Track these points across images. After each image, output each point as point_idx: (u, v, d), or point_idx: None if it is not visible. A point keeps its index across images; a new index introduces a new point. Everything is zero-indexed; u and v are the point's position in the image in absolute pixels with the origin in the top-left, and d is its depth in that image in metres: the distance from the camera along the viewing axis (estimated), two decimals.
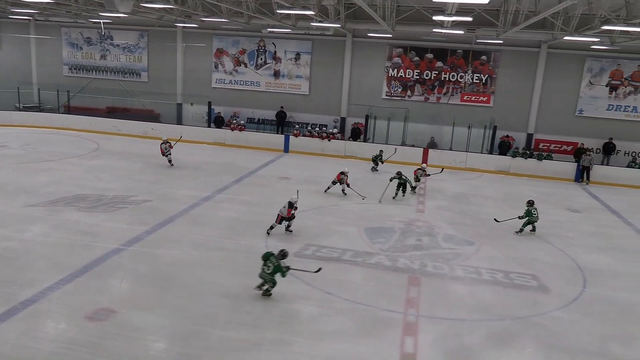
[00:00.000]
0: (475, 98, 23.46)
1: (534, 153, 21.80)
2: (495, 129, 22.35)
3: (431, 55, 23.54)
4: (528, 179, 20.65)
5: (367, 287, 9.54)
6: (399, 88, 24.05)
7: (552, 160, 21.63)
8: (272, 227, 11.78)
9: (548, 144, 22.94)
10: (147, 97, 26.33)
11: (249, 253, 10.65)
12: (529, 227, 13.33)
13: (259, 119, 25.52)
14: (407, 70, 23.84)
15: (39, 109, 26.84)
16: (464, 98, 23.54)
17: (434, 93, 23.78)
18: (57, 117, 25.20)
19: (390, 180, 15.76)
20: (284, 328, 7.84)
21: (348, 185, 15.50)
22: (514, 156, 21.59)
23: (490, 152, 22.48)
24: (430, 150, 22.19)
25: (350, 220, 13.44)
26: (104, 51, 27.14)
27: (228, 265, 10.08)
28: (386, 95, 24.18)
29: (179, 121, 26.09)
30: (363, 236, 12.32)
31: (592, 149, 21.85)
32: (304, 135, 23.30)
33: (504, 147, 22.44)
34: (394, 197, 15.81)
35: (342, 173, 15.64)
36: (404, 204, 15.50)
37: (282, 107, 24.63)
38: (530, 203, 13.32)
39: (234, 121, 24.19)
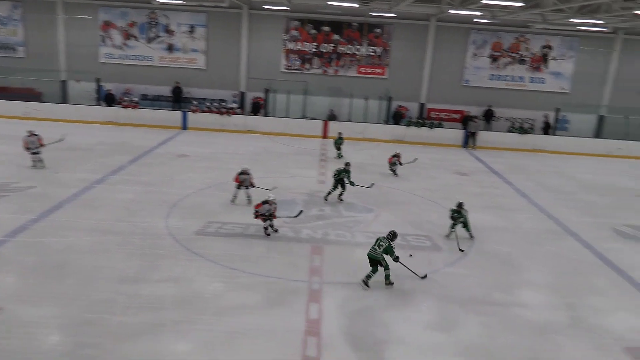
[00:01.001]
0: (371, 70, 24.10)
1: (426, 122, 22.98)
2: (390, 100, 23.21)
3: (328, 28, 23.74)
4: (422, 147, 21.75)
5: (272, 260, 9.63)
6: (298, 61, 24.08)
7: (442, 128, 22.93)
8: (266, 230, 10.62)
9: (439, 113, 24.23)
10: (25, 74, 24.07)
11: (146, 235, 10.32)
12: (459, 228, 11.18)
13: (153, 96, 24.36)
14: (305, 44, 23.89)
15: None
16: (361, 70, 24.10)
17: (331, 66, 24.09)
18: None
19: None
20: (187, 308, 7.74)
21: (253, 185, 12.80)
22: (408, 125, 22.61)
23: (387, 123, 23.35)
24: (330, 122, 22.59)
25: (252, 196, 13.39)
26: None
27: (124, 248, 9.68)
28: (285, 69, 24.11)
29: (64, 100, 24.24)
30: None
31: (477, 116, 23.41)
32: (203, 111, 22.69)
33: (398, 117, 23.39)
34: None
35: (242, 173, 12.70)
36: (305, 176, 15.71)
37: (177, 82, 23.70)
38: (459, 205, 11.27)
39: (127, 98, 22.95)
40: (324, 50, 23.96)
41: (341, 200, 13.48)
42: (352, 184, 13.34)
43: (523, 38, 23.80)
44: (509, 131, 23.17)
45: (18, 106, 22.16)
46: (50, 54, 24.09)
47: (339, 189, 13.50)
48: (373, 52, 23.94)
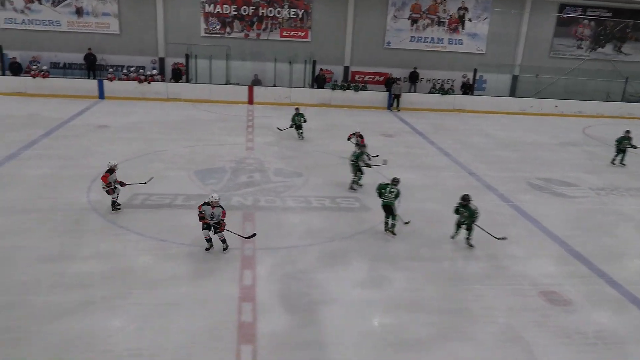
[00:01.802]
0: (294, 33, 23.83)
1: (351, 85, 23.18)
2: (314, 63, 23.13)
3: None
4: (347, 110, 22.00)
5: (201, 229, 9.51)
6: (218, 25, 23.33)
7: (367, 90, 23.23)
8: (208, 243, 8.64)
9: (363, 76, 24.50)
10: None
11: (68, 211, 9.87)
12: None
13: (64, 64, 22.84)
14: (224, 6, 23.14)
15: None
16: (283, 34, 23.76)
17: (253, 29, 23.56)
18: None
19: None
20: (118, 283, 7.56)
21: (122, 184, 10.13)
22: (333, 89, 22.72)
23: (312, 87, 23.33)
24: (255, 88, 22.25)
25: (179, 165, 13.10)
26: None
27: (45, 226, 9.23)
28: (205, 33, 23.31)
29: None
30: (194, 179, 12.15)
31: (400, 78, 23.91)
32: (120, 79, 21.58)
33: (321, 81, 23.37)
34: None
35: (110, 171, 9.94)
36: (232, 144, 15.49)
37: (90, 49, 22.30)
38: (393, 181, 9.97)
39: (35, 67, 21.36)
40: (244, 13, 23.35)
41: (360, 185, 12.19)
42: (369, 165, 12.22)
43: (441, 0, 24.34)
44: (431, 92, 23.89)
45: None
46: None
47: (358, 174, 12.30)
48: (295, 14, 23.63)
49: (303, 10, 23.56)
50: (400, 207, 11.16)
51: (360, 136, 14.18)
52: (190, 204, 10.58)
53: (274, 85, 23.06)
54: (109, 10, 22.64)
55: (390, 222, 9.81)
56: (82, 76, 22.40)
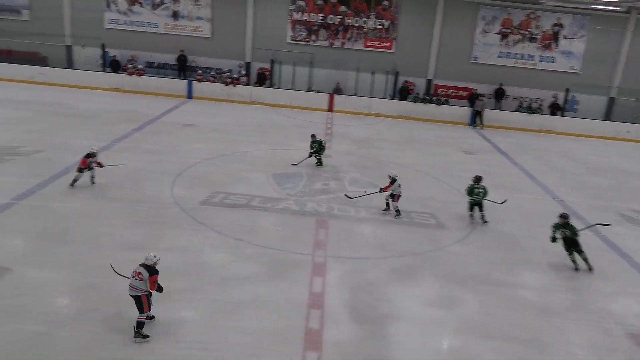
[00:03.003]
0: (378, 44, 23.79)
1: (433, 98, 22.80)
2: (397, 74, 22.99)
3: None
4: (427, 124, 21.64)
5: (276, 232, 9.69)
6: (304, 32, 23.77)
7: (449, 105, 22.74)
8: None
9: (446, 90, 24.02)
10: (30, 38, 23.81)
11: (152, 203, 10.36)
12: (477, 211, 11.05)
13: (158, 64, 24.17)
14: (312, 14, 23.55)
15: None
16: (367, 44, 23.80)
17: (338, 38, 23.79)
18: None
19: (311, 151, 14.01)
20: (192, 277, 7.82)
21: (101, 165, 11.16)
22: (414, 101, 22.44)
23: (393, 98, 23.18)
24: (336, 96, 22.43)
25: (258, 167, 13.42)
26: None
27: (130, 216, 9.74)
28: (291, 40, 23.83)
29: (70, 65, 24.04)
30: (271, 182, 12.38)
31: (484, 94, 23.20)
32: (208, 81, 22.51)
33: (404, 93, 23.19)
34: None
35: (89, 155, 10.99)
36: (309, 150, 15.61)
37: (182, 50, 23.46)
38: (477, 179, 11.07)
39: (132, 65, 22.76)
40: (330, 22, 23.62)
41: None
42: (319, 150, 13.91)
43: (534, 15, 23.40)
44: (517, 110, 22.99)
45: (24, 70, 22.02)
46: (55, 17, 23.79)
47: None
48: (380, 25, 23.61)
49: (389, 22, 23.49)
50: (476, 228, 10.83)
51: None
52: (266, 206, 10.80)
53: (355, 95, 23.12)
54: (203, 14, 23.72)
55: (482, 214, 11.01)
56: (174, 76, 23.58)
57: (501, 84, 23.50)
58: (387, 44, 23.77)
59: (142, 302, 6.32)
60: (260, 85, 23.16)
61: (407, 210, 11.37)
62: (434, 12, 23.16)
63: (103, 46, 23.25)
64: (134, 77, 22.09)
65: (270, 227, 9.90)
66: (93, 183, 11.13)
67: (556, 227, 9.31)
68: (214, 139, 15.69)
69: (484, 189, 10.91)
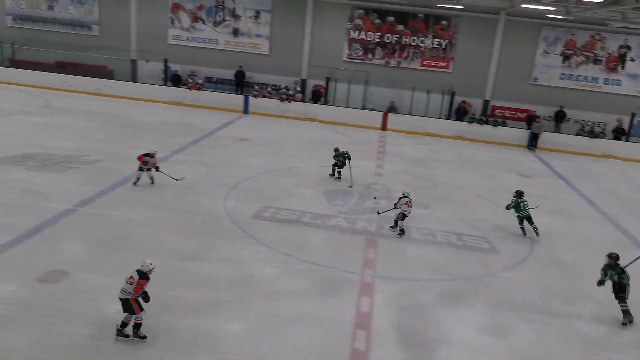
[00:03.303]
0: (435, 63, 23.59)
1: (490, 119, 22.29)
2: (453, 94, 22.67)
3: (392, 18, 23.39)
4: (483, 145, 21.15)
5: (325, 249, 9.67)
6: (360, 51, 23.89)
7: (506, 126, 22.16)
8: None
9: (503, 111, 23.44)
10: (99, 52, 25.12)
11: (205, 215, 10.58)
12: (524, 222, 11.23)
13: (217, 79, 24.89)
14: (369, 33, 23.65)
15: None
16: (424, 63, 23.64)
17: (394, 57, 23.76)
18: (1, 70, 23.81)
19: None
20: (242, 289, 7.89)
21: (157, 169, 11.99)
22: (470, 122, 22.02)
23: (448, 118, 22.84)
24: (390, 115, 22.33)
25: (309, 183, 13.48)
26: (51, 1, 25.57)
27: (184, 226, 9.98)
28: (347, 58, 23.99)
29: (134, 78, 25.15)
30: (322, 199, 12.40)
31: (542, 116, 22.49)
32: (264, 96, 22.95)
33: (461, 113, 22.82)
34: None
35: (146, 155, 11.85)
36: (361, 167, 15.60)
37: (240, 66, 24.08)
38: (519, 194, 11.38)
39: (192, 80, 23.53)
40: (387, 41, 23.64)
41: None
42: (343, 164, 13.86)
43: (599, 36, 22.57)
44: (578, 134, 22.11)
45: (91, 82, 23.20)
46: (122, 33, 25.02)
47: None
48: (438, 44, 23.41)
49: (447, 41, 23.26)
50: (531, 254, 10.44)
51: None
52: (316, 222, 10.81)
53: (409, 114, 22.93)
54: (262, 32, 24.29)
55: (533, 226, 11.13)
56: (231, 91, 24.19)
57: (562, 107, 22.72)
58: (444, 64, 23.52)
59: (130, 306, 6.39)
60: (314, 102, 23.39)
61: (459, 232, 11.10)
62: (494, 33, 22.75)
63: (165, 61, 24.19)
64: (194, 91, 22.81)
65: (320, 244, 9.89)
66: (152, 183, 11.98)
67: (605, 269, 8.22)
68: (268, 154, 15.92)
69: (527, 202, 11.23)
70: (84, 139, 15.44)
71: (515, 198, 11.28)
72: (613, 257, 8.19)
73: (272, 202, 11.75)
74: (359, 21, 23.57)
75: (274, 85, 24.22)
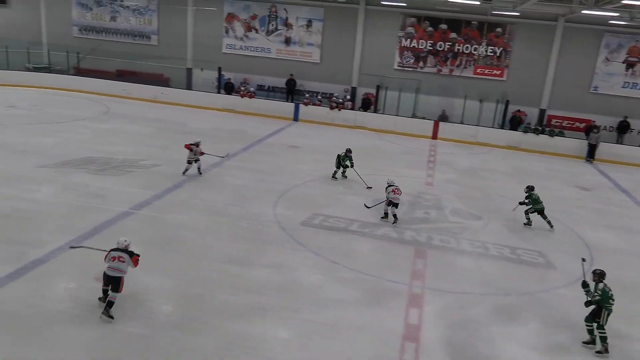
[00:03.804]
0: (489, 71, 23.08)
1: (546, 129, 21.55)
2: (507, 103, 22.06)
3: (445, 26, 23.08)
4: (539, 155, 20.46)
5: (373, 258, 9.58)
6: (411, 59, 23.69)
7: (564, 137, 21.34)
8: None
9: (561, 121, 22.62)
10: (156, 60, 26.06)
11: (255, 220, 10.71)
12: (536, 215, 11.81)
13: (269, 87, 25.29)
14: (420, 41, 23.42)
15: (48, 70, 26.69)
16: (477, 71, 23.17)
17: (446, 65, 23.41)
18: (67, 78, 25.08)
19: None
20: (288, 295, 7.91)
21: (202, 154, 13.25)
22: (525, 132, 21.34)
23: (502, 127, 22.25)
24: (441, 123, 21.98)
25: (358, 191, 13.41)
26: (113, 12, 26.79)
27: (234, 231, 10.13)
28: (398, 66, 23.84)
29: (189, 86, 25.91)
30: (371, 208, 12.28)
31: (603, 126, 21.55)
32: (314, 104, 23.10)
33: (515, 122, 22.17)
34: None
35: (194, 143, 13.26)
36: (411, 177, 15.40)
37: (292, 74, 24.36)
38: (531, 188, 11.95)
39: (244, 88, 23.99)
40: (439, 49, 23.33)
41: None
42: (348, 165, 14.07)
43: None
44: None
45: (149, 90, 24.06)
46: (179, 43, 25.88)
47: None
48: (492, 52, 22.90)
49: (502, 49, 22.72)
50: (590, 271, 9.95)
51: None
52: (364, 231, 10.73)
53: (461, 123, 22.49)
54: (314, 40, 24.51)
55: (547, 220, 11.78)
56: (282, 99, 24.50)
57: (626, 117, 21.69)
58: (498, 72, 22.97)
59: (120, 283, 6.93)
60: (364, 110, 23.34)
61: (513, 246, 10.75)
62: (551, 40, 22.03)
63: (219, 69, 24.78)
64: (245, 99, 23.24)
65: (368, 253, 9.81)
66: (200, 174, 13.22)
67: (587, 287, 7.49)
68: (317, 161, 15.98)
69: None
70: (141, 144, 16.00)
71: (528, 193, 11.95)
72: (598, 274, 7.39)
73: (320, 209, 11.76)
74: (410, 29, 23.40)
75: (324, 93, 24.37)
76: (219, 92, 24.73)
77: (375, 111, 23.41)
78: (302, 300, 7.80)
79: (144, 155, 14.66)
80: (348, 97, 23.83)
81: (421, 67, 23.63)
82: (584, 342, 7.39)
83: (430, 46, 23.37)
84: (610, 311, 7.17)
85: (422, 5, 22.35)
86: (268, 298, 7.78)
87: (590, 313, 7.28)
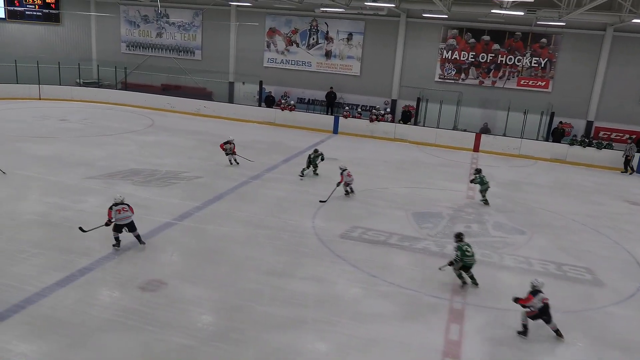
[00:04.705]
0: (533, 83, 22.58)
1: (593, 141, 20.85)
2: (552, 115, 21.50)
3: (488, 37, 22.76)
4: (585, 169, 19.82)
5: (412, 272, 9.45)
6: (453, 71, 23.45)
7: (612, 149, 20.57)
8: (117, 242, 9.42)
9: (609, 133, 21.86)
10: (200, 75, 26.77)
11: (294, 232, 10.76)
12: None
13: (309, 99, 25.52)
14: (462, 53, 23.18)
15: (97, 84, 27.81)
16: (521, 82, 22.71)
17: (489, 76, 23.05)
18: (115, 93, 26.08)
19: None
20: (327, 308, 7.89)
21: (234, 153, 15.90)
22: (571, 144, 20.71)
23: (546, 139, 21.68)
24: (483, 136, 21.60)
25: (398, 204, 13.31)
26: (160, 29, 27.70)
27: (273, 243, 10.21)
28: (439, 78, 23.63)
29: (231, 100, 26.43)
30: (410, 220, 12.17)
31: (634, 137, 20.67)
32: (354, 117, 23.14)
33: (559, 134, 21.54)
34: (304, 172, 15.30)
35: (226, 142, 15.91)
36: (452, 190, 15.17)
37: (332, 87, 24.50)
38: (479, 170, 13.98)
39: (284, 101, 24.29)
40: (481, 60, 23.02)
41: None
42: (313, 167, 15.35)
43: None
44: None
45: (192, 103, 24.70)
46: (222, 57, 26.50)
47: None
48: (536, 63, 22.41)
49: (547, 59, 22.21)
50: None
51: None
52: (404, 244, 10.62)
53: (504, 135, 22.05)
54: (354, 53, 24.62)
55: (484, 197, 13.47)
56: (322, 112, 24.65)
57: None
58: (543, 83, 22.44)
59: (134, 223, 9.32)
60: (404, 123, 23.19)
61: (559, 262, 10.40)
62: (599, 50, 21.38)
63: (260, 83, 25.20)
64: (286, 111, 23.51)
65: (407, 267, 9.69)
66: (237, 163, 15.71)
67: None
68: (356, 174, 15.77)
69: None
70: (184, 156, 16.39)
71: (476, 175, 13.71)
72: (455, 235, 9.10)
73: (360, 222, 11.72)
74: (452, 41, 23.19)
75: (363, 105, 24.39)
76: (259, 105, 25.12)
77: (416, 123, 23.23)
78: (341, 314, 7.77)
79: (186, 167, 15.00)
80: (388, 109, 23.76)
81: (463, 79, 23.36)
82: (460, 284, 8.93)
83: (472, 58, 23.09)
84: (468, 262, 8.80)
85: (464, 17, 22.13)
86: (307, 310, 7.79)
87: (460, 268, 8.83)
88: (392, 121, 23.09)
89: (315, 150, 15.47)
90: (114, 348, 6.54)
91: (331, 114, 23.94)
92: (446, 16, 21.57)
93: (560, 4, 17.43)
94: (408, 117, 23.47)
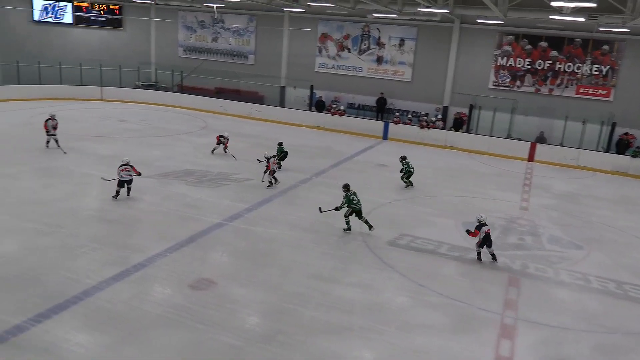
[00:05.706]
0: (593, 91, 21.66)
1: None
2: (614, 125, 20.56)
3: (545, 44, 22.03)
4: None
5: (462, 283, 9.24)
6: (508, 78, 22.82)
7: None
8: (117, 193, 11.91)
9: None
10: (252, 79, 27.22)
11: (342, 237, 10.74)
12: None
13: (359, 105, 25.44)
14: (518, 59, 22.53)
15: (155, 87, 28.77)
16: (580, 90, 21.83)
17: (546, 84, 22.29)
18: (171, 95, 26.93)
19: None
20: (374, 316, 7.82)
21: (226, 148, 16.97)
22: (634, 156, 19.72)
23: (607, 150, 20.75)
24: (539, 145, 20.91)
25: (448, 212, 13.06)
26: (215, 34, 28.38)
27: (320, 247, 10.22)
28: (493, 85, 23.06)
29: (282, 104, 26.73)
30: (460, 230, 11.89)
31: None
32: (404, 123, 22.91)
33: (622, 146, 20.56)
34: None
35: (221, 136, 17.11)
36: (504, 200, 14.74)
37: (382, 93, 24.35)
38: (403, 158, 15.12)
39: (334, 106, 24.32)
40: (538, 67, 22.29)
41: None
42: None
43: None
44: None
45: (244, 107, 25.18)
46: (274, 62, 26.84)
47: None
48: (597, 71, 21.50)
49: (608, 67, 21.29)
50: None
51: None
52: (454, 254, 10.41)
53: (561, 145, 21.25)
54: (405, 59, 24.39)
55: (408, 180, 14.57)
56: (372, 117, 24.54)
57: None
58: (604, 92, 21.50)
59: (131, 182, 11.75)
60: (456, 130, 22.76)
61: (619, 280, 9.91)
62: None
63: (311, 88, 25.36)
64: (336, 116, 23.55)
65: (457, 277, 9.48)
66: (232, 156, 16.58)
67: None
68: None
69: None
70: (235, 158, 16.67)
71: (402, 161, 14.98)
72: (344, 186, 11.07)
73: (408, 229, 11.58)
74: (507, 47, 22.59)
75: (414, 112, 24.09)
76: (310, 110, 25.27)
77: (467, 131, 22.75)
78: (388, 322, 7.68)
79: (237, 169, 15.27)
80: (439, 116, 23.39)
81: (518, 87, 22.70)
82: (344, 229, 10.90)
83: (528, 65, 22.41)
84: (356, 207, 10.93)
85: (520, 23, 21.52)
86: (354, 317, 7.74)
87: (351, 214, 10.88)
88: (443, 128, 22.72)
89: (280, 143, 16.13)
90: (165, 344, 6.71)
91: (381, 120, 23.79)
92: (502, 22, 21.04)
93: (624, 10, 16.64)
94: (460, 124, 23.02)
